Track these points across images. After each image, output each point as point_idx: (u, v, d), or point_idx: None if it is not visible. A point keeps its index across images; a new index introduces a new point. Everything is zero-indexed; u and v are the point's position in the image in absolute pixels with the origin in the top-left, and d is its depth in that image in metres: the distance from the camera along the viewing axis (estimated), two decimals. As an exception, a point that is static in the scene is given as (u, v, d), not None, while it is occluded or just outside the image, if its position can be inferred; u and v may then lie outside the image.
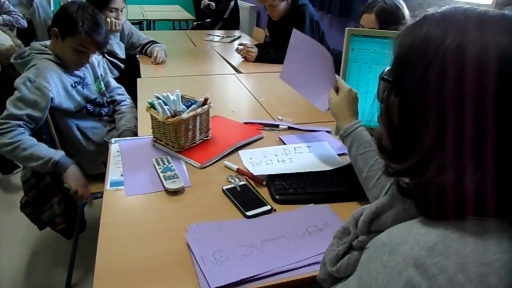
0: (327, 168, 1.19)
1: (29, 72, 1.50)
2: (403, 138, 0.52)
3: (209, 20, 4.85)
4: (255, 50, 2.57)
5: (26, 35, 4.00)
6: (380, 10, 1.74)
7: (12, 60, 1.61)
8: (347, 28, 1.33)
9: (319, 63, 1.23)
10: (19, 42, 3.10)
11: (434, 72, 0.47)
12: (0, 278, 1.86)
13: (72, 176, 1.50)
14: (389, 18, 1.70)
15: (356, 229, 0.63)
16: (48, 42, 1.65)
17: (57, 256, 1.99)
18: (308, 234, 0.96)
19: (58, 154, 1.47)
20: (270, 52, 2.55)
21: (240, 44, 2.73)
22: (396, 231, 0.48)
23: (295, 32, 1.30)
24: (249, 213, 1.00)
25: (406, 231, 0.46)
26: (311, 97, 1.34)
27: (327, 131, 1.49)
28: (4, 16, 3.64)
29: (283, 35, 2.45)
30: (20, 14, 3.84)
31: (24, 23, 3.86)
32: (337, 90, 1.14)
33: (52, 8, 5.29)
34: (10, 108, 1.44)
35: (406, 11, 1.74)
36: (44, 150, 1.46)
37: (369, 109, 1.32)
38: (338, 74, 2.41)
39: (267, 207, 1.03)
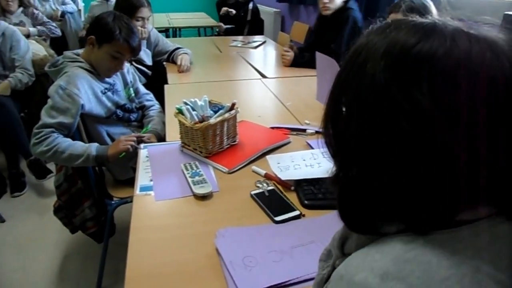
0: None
1: (60, 80, 1.55)
2: (336, 142, 0.55)
3: (230, 26, 4.90)
4: (290, 54, 2.57)
5: (58, 45, 4.14)
6: (407, 9, 1.72)
7: (46, 68, 1.67)
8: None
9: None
10: (52, 51, 3.22)
11: None
12: (34, 280, 1.92)
13: (114, 150, 1.52)
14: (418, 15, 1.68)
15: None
16: (80, 51, 1.70)
17: (88, 259, 2.04)
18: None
19: (92, 148, 1.51)
20: (306, 56, 2.53)
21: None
22: (352, 261, 0.47)
23: (318, 55, 1.32)
24: (277, 218, 0.99)
25: (362, 259, 0.46)
26: None
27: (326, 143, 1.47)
28: (39, 27, 3.78)
29: (328, 35, 2.46)
30: (54, 24, 3.98)
31: (58, 32, 4.00)
32: None
33: (82, 19, 5.47)
34: (44, 117, 1.50)
35: (434, 10, 1.71)
36: (79, 148, 1.50)
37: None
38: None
39: (296, 212, 1.01)
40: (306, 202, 1.07)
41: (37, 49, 3.05)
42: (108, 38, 1.58)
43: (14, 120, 2.62)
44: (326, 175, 1.13)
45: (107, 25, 1.58)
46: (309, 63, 2.45)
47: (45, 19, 3.89)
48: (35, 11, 3.82)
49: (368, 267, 0.43)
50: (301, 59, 2.54)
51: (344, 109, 0.49)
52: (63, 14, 4.89)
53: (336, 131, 0.51)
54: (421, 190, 0.43)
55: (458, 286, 0.39)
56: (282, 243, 0.91)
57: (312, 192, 1.10)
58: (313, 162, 1.26)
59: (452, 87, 0.41)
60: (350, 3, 2.45)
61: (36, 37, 3.58)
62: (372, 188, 0.47)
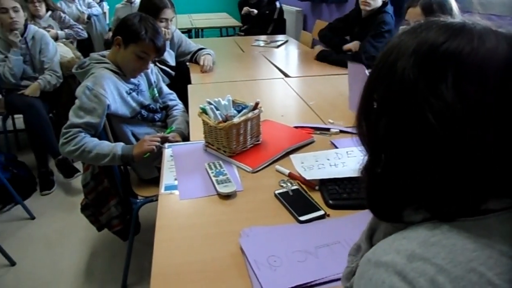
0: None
1: (87, 81, 1.58)
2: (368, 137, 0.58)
3: (245, 26, 4.95)
4: (317, 47, 2.58)
5: (85, 47, 4.25)
6: (425, 2, 1.69)
7: (73, 70, 1.71)
8: (400, 28, 1.28)
9: (363, 82, 1.25)
10: (78, 54, 3.30)
11: None
12: (62, 276, 1.97)
13: (139, 150, 1.54)
14: (436, 9, 1.66)
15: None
16: (106, 52, 1.74)
17: (113, 257, 2.07)
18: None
19: (118, 147, 1.54)
20: (333, 54, 2.51)
21: None
22: (379, 246, 0.49)
23: (349, 66, 1.33)
24: (302, 218, 0.98)
25: (388, 244, 0.48)
26: None
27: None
28: (66, 30, 3.88)
29: (359, 34, 2.43)
30: (80, 26, 4.08)
31: (85, 34, 4.10)
32: None
33: (107, 22, 5.59)
34: (71, 117, 1.53)
35: (453, 3, 1.67)
36: (106, 147, 1.53)
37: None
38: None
39: (321, 212, 1.00)
40: (330, 202, 1.05)
41: (65, 52, 3.13)
42: (135, 38, 1.61)
43: (43, 121, 2.70)
44: (350, 175, 1.13)
45: (133, 25, 1.61)
46: (335, 63, 2.45)
47: (72, 22, 4.00)
48: (62, 14, 3.93)
49: (394, 250, 0.46)
50: (329, 56, 2.54)
51: (375, 105, 0.52)
52: (89, 16, 5.01)
53: (369, 125, 0.54)
54: (448, 181, 0.46)
55: (483, 267, 0.41)
56: (307, 243, 0.91)
57: (336, 192, 1.08)
58: (337, 161, 1.24)
59: (477, 83, 0.43)
60: (388, 8, 2.41)
61: (64, 40, 3.68)
62: (400, 178, 0.50)
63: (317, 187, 1.12)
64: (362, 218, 1.00)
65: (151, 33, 1.62)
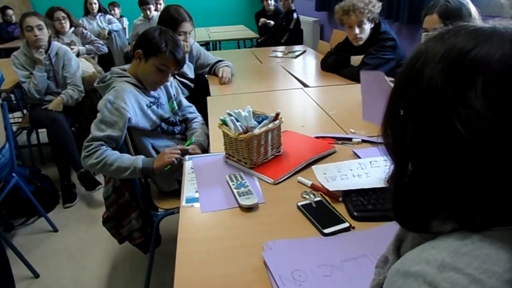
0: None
1: (109, 95, 1.60)
2: (395, 146, 0.56)
3: (262, 38, 4.99)
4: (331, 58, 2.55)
5: (105, 61, 4.35)
6: (442, 9, 1.66)
7: (95, 84, 1.74)
8: (423, 34, 1.26)
9: (381, 89, 1.21)
10: (99, 68, 3.38)
11: None
12: (85, 289, 1.98)
13: (160, 163, 1.54)
14: (453, 15, 1.62)
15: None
16: (126, 66, 1.76)
17: (134, 269, 2.08)
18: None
19: (139, 160, 1.54)
20: (344, 70, 2.46)
21: None
22: (408, 256, 0.48)
23: (362, 74, 1.30)
24: (326, 231, 0.95)
25: (417, 254, 0.47)
26: None
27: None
28: (88, 46, 3.99)
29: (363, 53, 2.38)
30: (101, 42, 4.18)
31: (105, 49, 4.20)
32: None
33: (127, 37, 5.72)
34: (93, 131, 1.55)
35: (472, 8, 1.64)
36: (127, 160, 1.54)
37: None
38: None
39: (345, 224, 0.98)
40: (355, 213, 1.02)
41: (86, 67, 3.20)
42: (155, 51, 1.63)
43: (65, 135, 2.76)
44: (375, 186, 1.10)
45: (153, 39, 1.63)
46: (347, 76, 2.41)
47: (93, 37, 4.10)
48: (84, 30, 4.03)
49: (423, 260, 0.44)
50: (340, 69, 2.49)
51: (402, 112, 0.51)
52: (110, 32, 5.13)
53: (395, 134, 0.53)
54: (478, 190, 0.44)
55: None
56: (332, 257, 0.88)
57: (361, 203, 1.05)
58: (360, 172, 1.22)
59: (507, 90, 0.42)
60: (383, 28, 2.34)
61: (85, 55, 3.78)
62: (428, 188, 0.49)
63: (340, 199, 1.09)
64: (388, 230, 0.97)
65: (171, 46, 1.64)
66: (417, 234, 0.54)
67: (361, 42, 2.34)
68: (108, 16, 5.29)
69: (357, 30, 2.30)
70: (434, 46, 0.48)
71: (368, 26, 2.31)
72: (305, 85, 2.35)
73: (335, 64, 2.53)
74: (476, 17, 1.63)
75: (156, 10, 4.99)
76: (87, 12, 5.19)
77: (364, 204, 1.05)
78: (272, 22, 5.11)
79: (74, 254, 2.24)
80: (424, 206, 0.50)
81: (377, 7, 2.27)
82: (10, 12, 6.10)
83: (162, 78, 1.70)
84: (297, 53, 3.30)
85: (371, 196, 1.07)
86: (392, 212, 0.55)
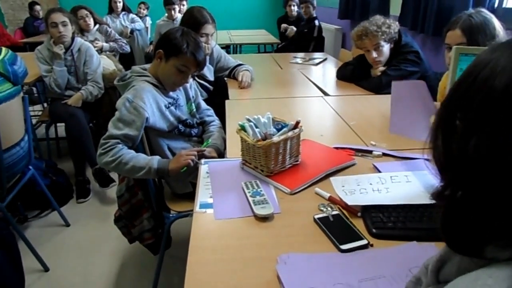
0: (430, 201, 1.06)
1: (128, 93, 1.60)
2: (447, 163, 0.52)
3: (283, 43, 4.97)
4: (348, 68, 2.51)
5: (127, 60, 4.40)
6: (465, 24, 1.61)
7: (115, 82, 1.73)
8: (455, 47, 1.22)
9: (419, 99, 1.17)
10: (120, 66, 3.40)
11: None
12: (92, 285, 1.98)
13: (175, 165, 1.52)
14: (477, 30, 1.57)
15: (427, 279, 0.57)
16: (147, 66, 1.76)
17: (143, 270, 2.06)
18: (411, 276, 0.85)
19: (154, 161, 1.53)
20: (363, 81, 2.41)
21: None
22: (459, 283, 0.45)
23: (394, 84, 1.26)
24: (343, 247, 0.92)
25: (471, 282, 0.43)
26: (422, 135, 1.25)
27: (427, 159, 1.35)
28: (111, 43, 4.03)
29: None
30: (125, 41, 4.23)
31: (128, 49, 4.25)
32: None
33: (148, 36, 5.77)
34: (111, 129, 1.54)
35: (496, 23, 1.59)
36: (142, 160, 1.52)
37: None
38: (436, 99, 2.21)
39: (364, 242, 0.93)
40: (374, 230, 0.98)
41: (107, 64, 3.23)
42: (176, 52, 1.62)
43: (83, 130, 2.78)
44: (396, 202, 1.06)
45: (175, 39, 1.62)
46: (365, 87, 2.36)
47: (117, 36, 4.16)
48: (108, 28, 4.09)
49: None
50: (359, 81, 2.44)
51: (459, 124, 0.48)
52: (132, 31, 5.18)
53: (448, 147, 0.49)
54: None
55: None
56: (349, 275, 0.84)
57: (381, 220, 1.01)
58: (380, 186, 1.17)
59: None
60: (404, 40, 2.27)
61: (108, 52, 3.82)
62: (488, 209, 0.44)
63: (359, 214, 1.05)
64: (408, 251, 0.93)
65: (192, 47, 1.63)
66: (467, 257, 0.50)
67: (380, 65, 2.29)
68: (131, 15, 5.36)
69: (374, 54, 2.26)
70: (505, 54, 0.45)
71: (387, 48, 2.26)
72: (325, 93, 2.31)
73: (353, 75, 2.49)
74: (501, 32, 1.58)
75: (180, 11, 5.02)
76: (111, 10, 5.26)
77: (383, 221, 1.00)
78: (294, 28, 5.09)
79: (84, 250, 2.24)
80: (481, 230, 0.46)
81: (393, 27, 2.21)
82: (38, 7, 6.23)
83: (182, 79, 1.69)
84: (318, 61, 3.26)
85: (391, 213, 1.03)
86: (440, 232, 0.51)
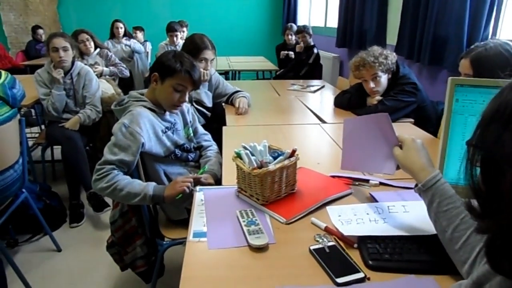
0: (428, 232, 1.05)
1: (125, 118, 1.60)
2: (489, 197, 0.53)
3: (281, 70, 5.04)
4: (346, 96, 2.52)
5: (126, 84, 4.44)
6: (476, 55, 1.60)
7: (112, 107, 1.74)
8: (450, 78, 1.22)
9: (377, 132, 1.16)
10: (119, 90, 3.43)
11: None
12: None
13: (171, 192, 1.51)
14: (486, 63, 1.54)
15: None
16: (144, 91, 1.77)
17: (135, 299, 2.01)
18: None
19: (150, 187, 1.52)
20: (359, 110, 2.42)
21: None
22: None
23: (345, 121, 1.25)
24: (339, 280, 0.89)
25: None
26: (377, 167, 1.23)
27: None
28: (111, 67, 4.08)
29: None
30: (124, 65, 4.28)
31: (127, 73, 4.29)
32: (400, 146, 1.09)
33: (149, 61, 5.85)
34: (106, 154, 1.53)
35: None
36: (137, 186, 1.51)
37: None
38: (435, 127, 2.20)
39: (360, 275, 0.91)
40: (370, 262, 0.96)
41: (106, 88, 3.25)
42: (170, 72, 1.64)
43: (79, 154, 2.77)
44: (392, 233, 1.04)
45: (168, 60, 1.65)
46: (350, 106, 2.40)
47: (117, 60, 4.20)
48: (109, 53, 4.14)
49: None
50: (354, 109, 2.46)
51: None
52: (131, 56, 5.26)
53: (488, 182, 0.52)
54: None
55: None
56: (345, 310, 0.82)
57: (377, 252, 0.99)
58: (377, 217, 1.16)
59: None
60: (401, 71, 2.29)
61: (107, 76, 3.86)
62: None
63: (355, 245, 1.03)
64: (405, 284, 0.91)
65: (186, 65, 1.65)
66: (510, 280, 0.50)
67: (378, 95, 2.31)
68: (132, 40, 5.44)
69: (371, 84, 2.28)
70: None
71: (384, 78, 2.28)
72: (322, 121, 2.32)
73: (350, 103, 2.50)
74: None
75: (181, 38, 5.12)
76: (113, 35, 5.35)
77: (380, 253, 0.98)
78: (291, 53, 5.20)
79: (75, 277, 2.19)
80: None
81: (390, 58, 2.23)
82: (40, 31, 6.34)
83: (180, 98, 1.69)
84: (315, 88, 3.29)
85: (388, 244, 1.01)
86: (485, 254, 0.51)
